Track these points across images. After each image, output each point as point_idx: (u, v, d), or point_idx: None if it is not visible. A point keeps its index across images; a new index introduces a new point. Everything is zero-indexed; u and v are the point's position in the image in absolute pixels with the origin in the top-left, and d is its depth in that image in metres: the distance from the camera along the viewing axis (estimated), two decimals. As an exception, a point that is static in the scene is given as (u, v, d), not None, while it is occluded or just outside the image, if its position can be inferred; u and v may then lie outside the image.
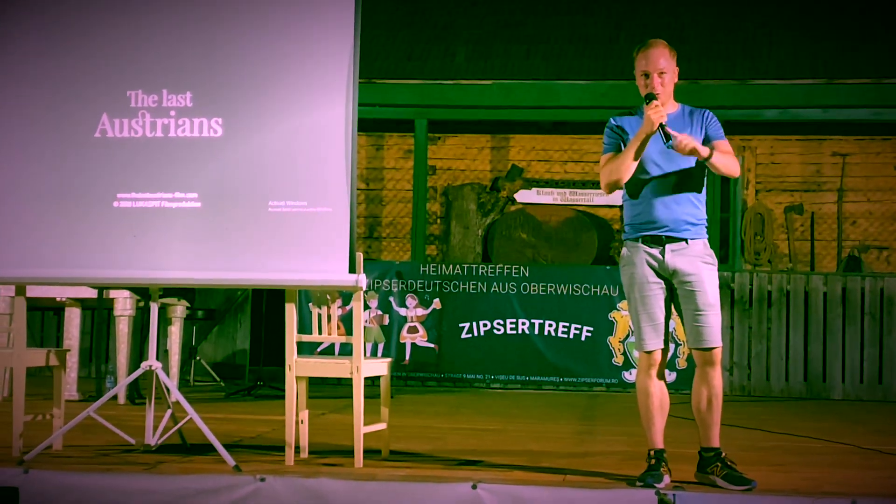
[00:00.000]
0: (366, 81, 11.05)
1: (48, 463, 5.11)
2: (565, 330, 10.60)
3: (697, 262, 4.94)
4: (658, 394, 4.99)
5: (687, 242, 4.95)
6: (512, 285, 10.68)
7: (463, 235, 12.42)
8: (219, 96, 5.50)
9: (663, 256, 4.94)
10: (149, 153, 5.52)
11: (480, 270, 10.79)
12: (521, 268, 10.76)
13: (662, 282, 4.99)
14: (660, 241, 4.96)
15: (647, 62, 4.98)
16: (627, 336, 10.47)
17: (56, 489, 4.66)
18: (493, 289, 10.71)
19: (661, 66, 4.96)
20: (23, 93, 5.62)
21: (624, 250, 5.08)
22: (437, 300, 10.76)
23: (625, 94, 10.85)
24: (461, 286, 10.76)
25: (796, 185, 12.45)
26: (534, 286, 10.66)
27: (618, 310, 10.50)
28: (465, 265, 10.90)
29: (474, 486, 4.53)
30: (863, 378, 10.43)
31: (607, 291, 10.56)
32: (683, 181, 4.97)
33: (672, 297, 5.03)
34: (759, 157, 12.47)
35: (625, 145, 4.98)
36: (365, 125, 11.71)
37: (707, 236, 5.04)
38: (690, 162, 4.95)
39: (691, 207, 4.98)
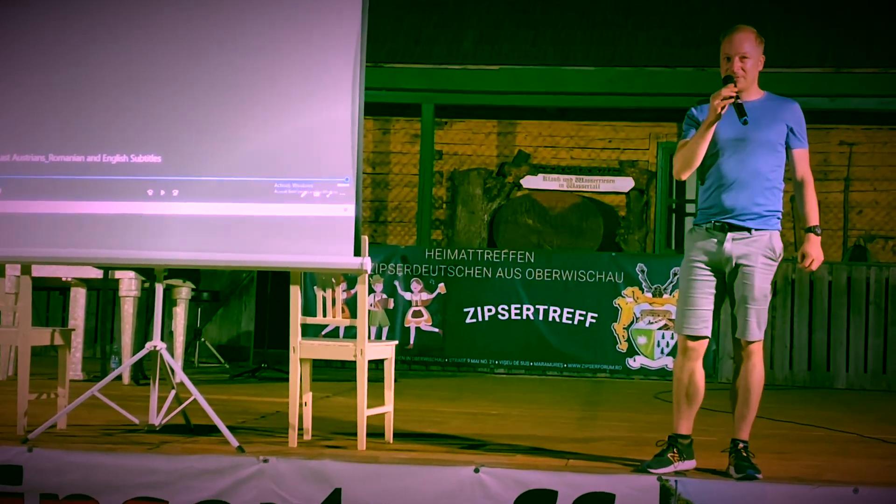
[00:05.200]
0: (373, 65, 11.03)
1: (52, 441, 5.12)
2: (570, 316, 10.60)
3: (756, 256, 4.82)
4: (686, 381, 4.90)
5: (751, 232, 4.84)
6: (517, 271, 10.67)
7: (469, 220, 12.42)
8: (222, 79, 5.49)
9: (722, 244, 4.84)
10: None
11: (486, 255, 10.79)
12: (527, 253, 10.75)
13: (715, 270, 4.89)
14: (723, 229, 4.85)
15: (730, 45, 4.86)
16: (632, 323, 10.47)
17: (59, 467, 4.67)
18: (498, 274, 10.71)
19: (743, 50, 4.84)
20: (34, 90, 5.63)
21: (687, 233, 5.05)
22: (441, 285, 10.76)
23: (632, 80, 10.85)
24: (466, 271, 10.76)
25: (803, 174, 12.41)
26: (539, 272, 10.65)
27: (622, 296, 10.50)
28: (471, 250, 10.89)
29: (477, 470, 4.53)
30: (867, 367, 10.42)
31: (612, 278, 10.55)
32: (754, 168, 4.83)
33: (725, 287, 4.94)
34: (766, 145, 12.42)
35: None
36: (372, 109, 11.70)
37: (779, 228, 4.91)
38: (763, 148, 4.85)
39: (760, 197, 4.85)
